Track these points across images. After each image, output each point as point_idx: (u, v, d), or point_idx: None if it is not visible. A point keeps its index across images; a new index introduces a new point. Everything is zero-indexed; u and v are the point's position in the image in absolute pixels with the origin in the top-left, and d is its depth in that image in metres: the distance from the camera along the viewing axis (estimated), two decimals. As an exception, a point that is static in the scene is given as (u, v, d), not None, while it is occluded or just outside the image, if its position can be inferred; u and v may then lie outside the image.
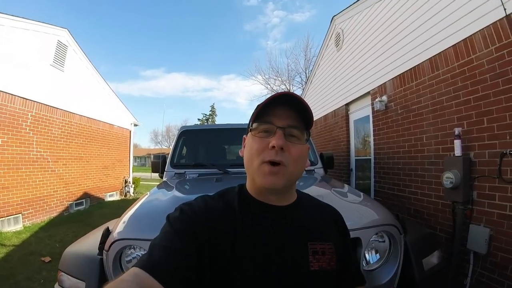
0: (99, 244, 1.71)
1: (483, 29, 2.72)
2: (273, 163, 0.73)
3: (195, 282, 0.68)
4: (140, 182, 13.63)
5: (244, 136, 0.86)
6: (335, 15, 6.53)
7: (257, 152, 0.76)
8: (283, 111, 0.77)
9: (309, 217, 0.85)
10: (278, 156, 0.73)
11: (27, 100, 6.26)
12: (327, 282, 0.79)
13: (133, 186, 11.90)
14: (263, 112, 0.78)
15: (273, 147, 0.73)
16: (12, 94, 5.82)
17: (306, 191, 0.99)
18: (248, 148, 0.80)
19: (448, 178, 2.94)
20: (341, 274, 0.86)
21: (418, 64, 3.69)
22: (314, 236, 0.81)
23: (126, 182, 11.45)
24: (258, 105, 0.79)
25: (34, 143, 6.51)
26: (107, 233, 1.74)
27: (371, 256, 1.85)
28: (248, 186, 0.85)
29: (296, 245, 0.78)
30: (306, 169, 3.26)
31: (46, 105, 6.88)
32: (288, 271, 0.74)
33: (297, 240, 0.78)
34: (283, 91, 0.76)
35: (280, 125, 0.76)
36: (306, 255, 0.77)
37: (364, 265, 1.78)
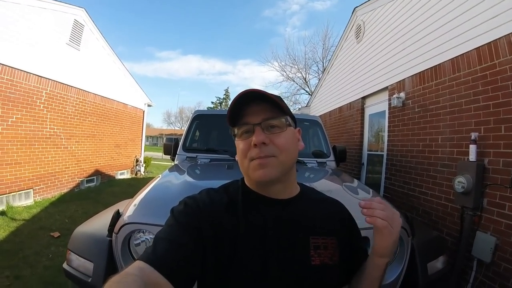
0: (109, 226, 1.74)
1: (508, 34, 2.62)
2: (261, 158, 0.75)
3: (198, 275, 0.70)
4: (151, 162, 13.78)
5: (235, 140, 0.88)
6: (357, 7, 6.38)
7: (243, 152, 0.77)
8: (256, 107, 0.78)
9: (312, 211, 0.85)
10: (263, 152, 0.74)
11: (42, 78, 6.32)
12: (329, 277, 0.79)
13: (144, 165, 12.07)
14: (238, 114, 0.80)
15: (255, 145, 0.74)
16: (27, 72, 5.87)
17: (316, 184, 0.98)
18: (237, 152, 0.82)
19: (460, 182, 2.90)
20: (356, 266, 0.88)
21: (439, 64, 3.60)
22: (316, 230, 0.81)
23: (137, 161, 11.59)
24: (229, 110, 0.80)
25: (48, 120, 6.60)
26: (117, 215, 1.77)
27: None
28: (247, 182, 0.86)
29: (297, 239, 0.78)
30: (318, 161, 3.26)
31: (61, 83, 6.94)
32: (289, 265, 0.75)
33: (298, 234, 0.79)
34: (248, 89, 0.78)
35: (256, 121, 0.76)
36: (308, 249, 0.78)
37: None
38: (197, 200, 0.79)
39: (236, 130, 0.81)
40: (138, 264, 0.62)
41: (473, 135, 2.89)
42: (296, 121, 0.87)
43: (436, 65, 3.68)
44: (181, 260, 0.65)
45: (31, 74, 5.99)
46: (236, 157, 0.85)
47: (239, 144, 0.79)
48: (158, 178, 2.33)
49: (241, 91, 0.78)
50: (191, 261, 0.67)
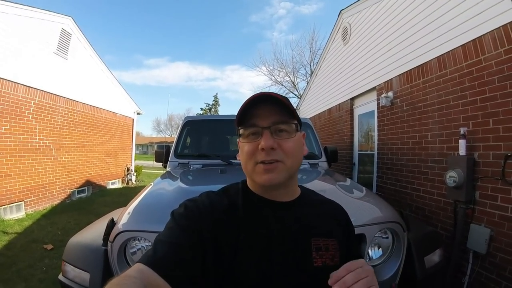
0: (104, 235, 1.72)
1: (493, 30, 2.69)
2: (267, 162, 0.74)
3: (199, 278, 0.69)
4: (142, 170, 13.66)
5: (238, 140, 0.85)
6: (342, 9, 6.46)
7: (249, 155, 0.76)
8: (266, 110, 0.77)
9: (312, 213, 0.85)
10: (270, 156, 0.74)
11: (30, 88, 6.24)
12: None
13: (135, 174, 11.95)
14: (246, 115, 0.78)
15: (263, 149, 0.73)
16: (15, 82, 5.80)
17: (310, 184, 0.99)
18: (241, 152, 0.80)
19: (452, 177, 2.94)
20: None
21: (426, 62, 3.66)
22: (318, 232, 0.81)
23: (128, 170, 11.47)
24: (239, 111, 0.78)
25: (37, 131, 6.51)
26: (111, 224, 1.75)
27: (374, 252, 1.87)
28: (249, 184, 0.86)
29: (299, 241, 0.78)
30: (310, 162, 3.28)
31: (49, 93, 6.86)
32: (291, 267, 0.74)
33: (300, 236, 0.79)
34: (261, 92, 0.77)
35: (265, 125, 0.76)
36: (309, 251, 0.78)
37: (367, 260, 1.79)
38: (198, 203, 0.79)
39: (242, 131, 0.80)
40: (138, 266, 0.62)
41: (462, 130, 2.94)
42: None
43: (422, 64, 3.74)
44: (181, 262, 0.65)
45: (19, 84, 5.92)
46: (238, 157, 0.84)
47: (244, 146, 0.78)
48: (151, 186, 2.32)
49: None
50: (191, 264, 0.67)
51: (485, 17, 2.76)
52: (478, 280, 2.81)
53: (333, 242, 0.82)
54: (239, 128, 0.80)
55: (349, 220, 0.93)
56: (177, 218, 0.75)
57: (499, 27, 2.62)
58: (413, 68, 3.95)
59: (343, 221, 0.91)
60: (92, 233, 1.98)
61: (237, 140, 0.84)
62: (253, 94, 0.80)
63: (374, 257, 1.86)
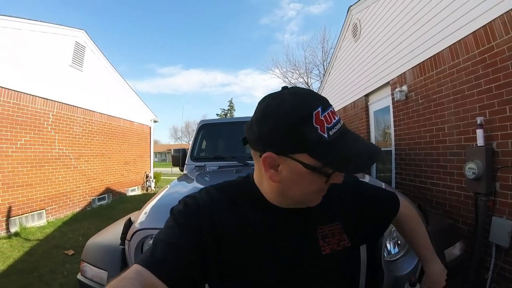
0: (121, 234, 1.74)
1: (502, 14, 2.60)
2: None
3: (199, 279, 0.67)
4: (161, 177, 13.85)
5: (269, 154, 0.65)
6: (351, 6, 6.43)
7: (320, 190, 0.71)
8: None
9: None
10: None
11: (48, 100, 6.46)
12: (340, 263, 0.79)
13: (154, 180, 12.15)
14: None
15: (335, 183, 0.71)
16: (33, 95, 6.02)
17: None
18: (301, 182, 0.67)
19: (471, 168, 2.85)
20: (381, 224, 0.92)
21: (438, 53, 3.58)
22: (322, 219, 0.80)
23: (147, 176, 11.68)
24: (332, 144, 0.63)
25: (56, 141, 6.72)
26: (129, 223, 1.78)
27: (392, 246, 1.83)
28: (271, 196, 0.75)
29: (305, 231, 0.77)
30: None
31: (67, 104, 7.08)
32: (299, 260, 0.74)
33: (306, 226, 0.77)
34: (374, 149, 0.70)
35: None
36: (316, 240, 0.77)
37: (386, 255, 1.75)
38: (197, 199, 0.76)
39: (322, 166, 0.64)
40: (136, 268, 0.61)
41: (479, 120, 2.85)
42: None
43: (434, 54, 3.66)
44: (180, 264, 0.63)
45: (37, 97, 6.13)
46: (273, 178, 0.68)
47: (313, 182, 0.67)
48: (168, 187, 2.35)
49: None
50: (191, 265, 0.65)
51: (494, 1, 2.68)
52: (502, 275, 2.69)
53: (338, 226, 0.81)
54: (326, 166, 0.64)
55: (356, 186, 0.92)
56: (176, 216, 0.73)
57: (508, 10, 2.53)
58: (425, 60, 3.86)
59: (348, 195, 0.88)
60: (110, 234, 2.03)
61: (267, 155, 0.66)
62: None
63: (392, 252, 1.82)
